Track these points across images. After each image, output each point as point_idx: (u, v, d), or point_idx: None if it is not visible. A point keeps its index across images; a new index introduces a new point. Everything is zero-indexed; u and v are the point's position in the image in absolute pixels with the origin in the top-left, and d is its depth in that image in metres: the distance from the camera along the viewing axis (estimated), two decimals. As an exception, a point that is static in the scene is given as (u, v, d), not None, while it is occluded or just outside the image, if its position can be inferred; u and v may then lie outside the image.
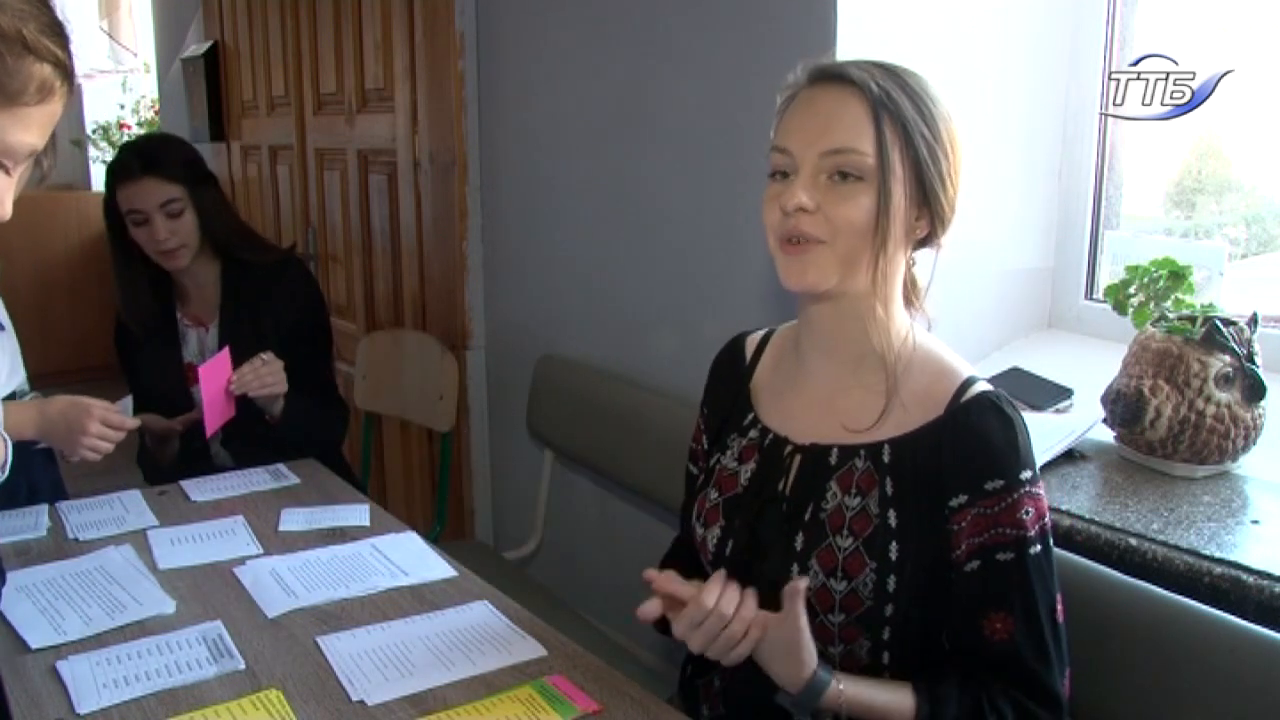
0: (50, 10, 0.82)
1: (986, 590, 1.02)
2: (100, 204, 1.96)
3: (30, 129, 0.81)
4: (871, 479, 1.05)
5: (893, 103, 1.01)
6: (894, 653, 1.05)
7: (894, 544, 1.03)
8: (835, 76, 1.04)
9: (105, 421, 1.57)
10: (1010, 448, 1.02)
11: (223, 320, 1.99)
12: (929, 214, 1.05)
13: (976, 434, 1.02)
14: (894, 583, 1.02)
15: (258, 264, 1.99)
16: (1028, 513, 1.01)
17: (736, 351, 1.26)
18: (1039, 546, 1.02)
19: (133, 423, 1.66)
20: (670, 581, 1.01)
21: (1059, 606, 1.03)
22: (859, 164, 1.01)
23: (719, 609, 0.98)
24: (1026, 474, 1.02)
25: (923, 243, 1.10)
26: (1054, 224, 1.84)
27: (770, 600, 1.05)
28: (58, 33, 0.81)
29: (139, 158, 1.88)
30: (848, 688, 1.01)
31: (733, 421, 1.20)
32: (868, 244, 1.02)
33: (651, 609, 1.02)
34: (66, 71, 0.82)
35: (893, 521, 1.03)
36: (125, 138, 5.30)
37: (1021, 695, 1.01)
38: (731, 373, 1.24)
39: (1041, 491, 1.03)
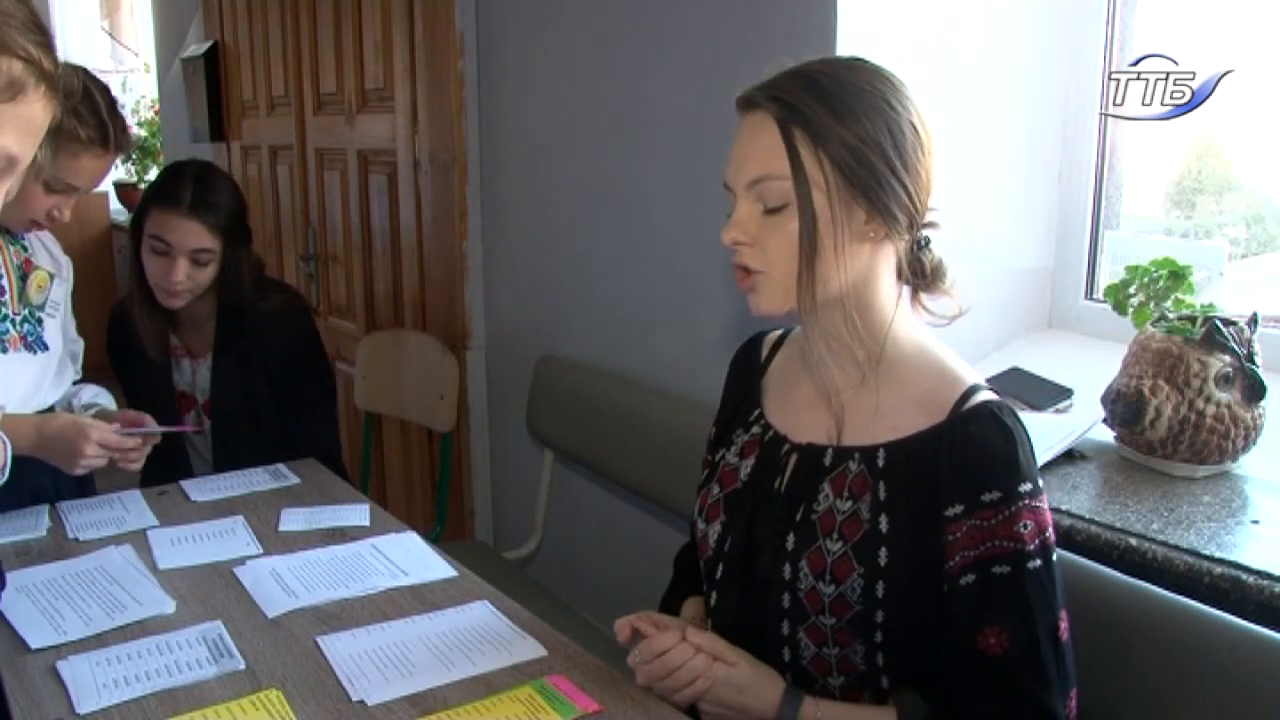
0: (27, 8, 0.78)
1: (981, 604, 0.99)
2: (100, 204, 1.94)
3: (3, 129, 0.77)
4: (864, 483, 1.04)
5: (800, 115, 0.98)
6: (889, 656, 1.04)
7: (884, 549, 1.02)
8: (749, 103, 1.03)
9: (103, 443, 1.52)
10: (1009, 460, 1.00)
11: (215, 358, 1.96)
12: (878, 211, 1.00)
13: (975, 444, 1.00)
14: (883, 588, 1.01)
15: (258, 308, 1.95)
16: (1026, 526, 0.99)
17: (754, 348, 1.27)
18: (1038, 561, 0.99)
19: (131, 442, 1.57)
20: (639, 623, 1.11)
21: (1062, 624, 1.00)
22: (779, 190, 1.00)
23: (665, 659, 1.04)
24: (1026, 487, 0.99)
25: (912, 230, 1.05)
26: (1054, 224, 1.84)
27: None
28: (32, 30, 0.78)
29: (194, 191, 1.79)
30: (824, 708, 1.04)
31: (740, 417, 1.21)
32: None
33: (624, 631, 1.11)
34: (42, 72, 0.78)
35: (884, 527, 1.02)
36: (125, 138, 5.27)
37: (1010, 715, 0.98)
38: (746, 369, 1.25)
39: (1043, 505, 1.01)
